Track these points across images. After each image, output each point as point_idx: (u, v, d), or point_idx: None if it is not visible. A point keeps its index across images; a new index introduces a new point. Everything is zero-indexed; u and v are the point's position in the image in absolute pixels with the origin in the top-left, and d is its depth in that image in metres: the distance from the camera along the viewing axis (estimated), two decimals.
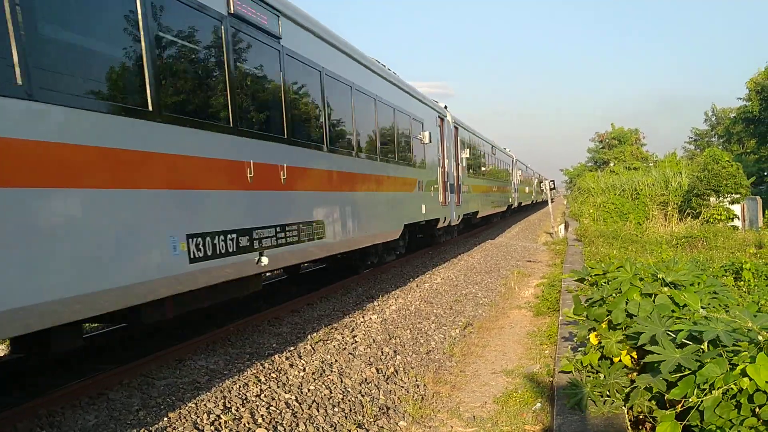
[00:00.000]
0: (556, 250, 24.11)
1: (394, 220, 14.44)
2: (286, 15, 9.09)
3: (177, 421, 6.08)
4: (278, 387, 7.35)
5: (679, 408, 4.24)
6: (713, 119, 67.31)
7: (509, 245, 26.02)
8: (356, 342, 9.58)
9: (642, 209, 31.06)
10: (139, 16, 6.00)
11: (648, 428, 4.97)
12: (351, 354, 9.03)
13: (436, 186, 17.72)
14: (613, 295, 5.76)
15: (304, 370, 8.05)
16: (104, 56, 5.79)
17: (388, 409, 7.42)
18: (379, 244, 14.38)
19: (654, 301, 5.50)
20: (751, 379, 3.77)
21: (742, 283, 11.92)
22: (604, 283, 6.22)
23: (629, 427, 4.64)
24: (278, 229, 8.59)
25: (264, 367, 7.83)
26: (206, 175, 6.99)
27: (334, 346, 9.17)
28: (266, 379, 7.47)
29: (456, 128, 21.02)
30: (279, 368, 7.93)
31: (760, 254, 17.02)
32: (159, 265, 6.19)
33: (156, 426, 5.90)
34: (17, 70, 4.62)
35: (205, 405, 6.48)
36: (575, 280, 7.85)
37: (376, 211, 13.18)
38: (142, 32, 6.03)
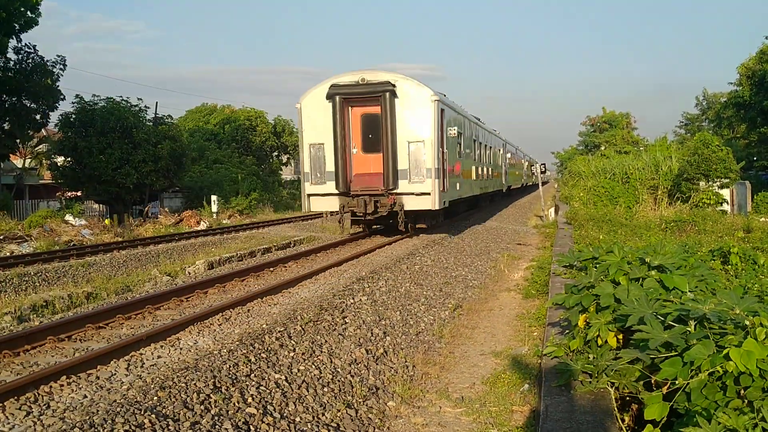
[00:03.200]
0: (546, 234, 24.18)
1: (491, 185, 32.80)
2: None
3: (167, 400, 6.10)
4: (268, 367, 7.39)
5: (665, 389, 4.28)
6: (704, 104, 67.40)
7: (499, 228, 26.09)
8: (346, 323, 9.62)
9: (632, 193, 31.14)
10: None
11: (634, 409, 5.03)
12: (341, 335, 9.08)
13: (500, 174, 36.29)
14: (602, 278, 5.80)
15: (294, 350, 8.08)
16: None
17: (377, 389, 7.47)
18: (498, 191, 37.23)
19: (642, 285, 5.54)
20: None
21: (729, 267, 11.98)
22: (593, 266, 6.26)
23: (616, 408, 4.69)
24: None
25: (254, 347, 7.86)
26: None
27: (324, 327, 9.21)
28: (256, 359, 7.50)
29: (504, 144, 39.87)
30: (269, 348, 7.95)
31: (748, 239, 17.12)
32: (486, 189, 29.76)
33: (146, 405, 5.92)
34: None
35: (195, 384, 6.50)
36: (563, 266, 7.89)
37: (488, 184, 31.00)
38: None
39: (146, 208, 33.49)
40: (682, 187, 29.07)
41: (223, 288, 13.00)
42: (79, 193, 34.54)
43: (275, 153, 55.05)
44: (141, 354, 8.08)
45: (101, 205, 35.80)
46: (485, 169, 29.51)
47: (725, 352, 3.88)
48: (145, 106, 34.54)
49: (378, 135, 17.94)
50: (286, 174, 66.71)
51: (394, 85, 17.68)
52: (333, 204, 18.72)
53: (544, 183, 49.41)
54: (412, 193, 18.08)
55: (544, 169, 38.76)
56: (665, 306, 4.72)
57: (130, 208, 33.81)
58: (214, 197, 34.08)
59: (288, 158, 57.89)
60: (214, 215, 33.15)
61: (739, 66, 35.95)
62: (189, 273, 15.51)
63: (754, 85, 33.46)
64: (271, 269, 15.15)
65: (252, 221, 31.78)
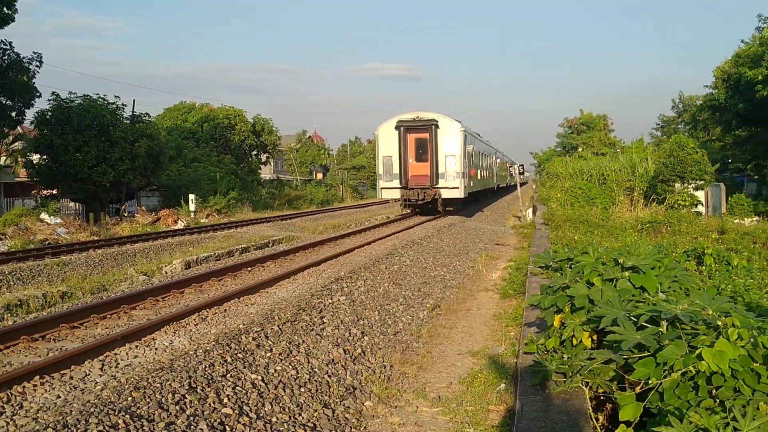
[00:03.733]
0: (523, 234, 24.33)
1: (490, 183, 42.58)
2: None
3: (141, 400, 6.05)
4: (244, 367, 7.35)
5: (638, 389, 4.33)
6: (680, 106, 68.20)
7: (478, 228, 26.20)
8: (324, 323, 9.60)
9: (608, 194, 31.42)
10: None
11: (609, 408, 5.07)
12: (319, 335, 9.06)
13: (493, 175, 43.48)
14: (577, 279, 5.85)
15: (271, 350, 8.06)
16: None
17: (354, 389, 7.47)
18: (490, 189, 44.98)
19: (615, 286, 5.59)
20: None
21: (704, 268, 12.13)
22: (569, 267, 6.30)
23: (590, 408, 4.73)
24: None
25: (230, 347, 7.82)
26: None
27: (302, 327, 9.19)
28: (232, 360, 7.46)
29: (495, 152, 46.92)
30: (246, 348, 7.92)
31: (722, 240, 17.35)
32: (485, 186, 39.65)
33: (120, 405, 5.87)
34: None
35: (170, 384, 6.45)
36: (539, 267, 7.94)
37: (488, 182, 40.71)
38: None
39: (123, 207, 33.15)
40: (657, 188, 29.38)
41: (200, 288, 12.92)
42: (54, 191, 34.11)
43: (254, 152, 54.76)
44: (116, 354, 8.01)
45: (77, 204, 35.38)
46: (485, 172, 39.11)
47: (697, 352, 3.93)
48: (123, 104, 34.19)
49: (426, 151, 28.08)
50: (266, 173, 66.47)
51: (437, 121, 28.04)
52: (396, 194, 28.68)
53: (522, 184, 50.19)
54: (447, 188, 28.08)
55: (522, 170, 39.09)
56: (638, 307, 4.77)
57: (107, 206, 33.43)
58: (191, 196, 33.84)
59: (267, 157, 57.62)
60: (192, 214, 32.93)
61: (715, 69, 36.37)
62: (166, 272, 15.40)
63: (730, 89, 33.86)
64: (249, 269, 15.09)
65: (230, 220, 31.61)
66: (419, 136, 28.27)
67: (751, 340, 4.01)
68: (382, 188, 28.89)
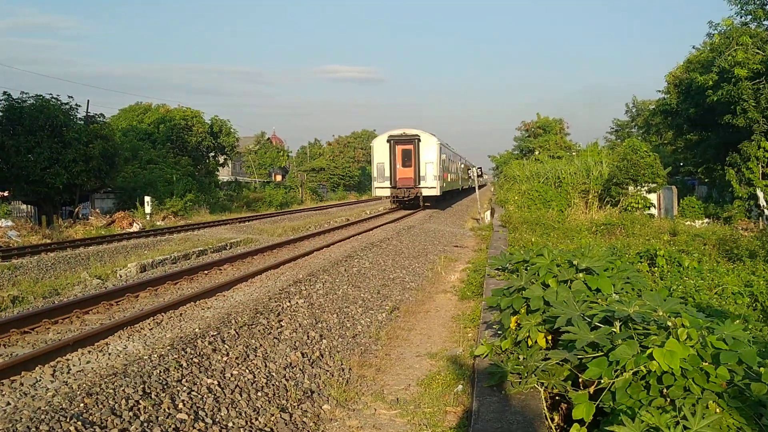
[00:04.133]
0: (482, 236, 24.54)
1: (457, 185, 48.76)
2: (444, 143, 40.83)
3: (94, 406, 5.93)
4: (200, 372, 7.26)
5: (592, 389, 4.39)
6: (634, 111, 69.50)
7: (437, 230, 26.32)
8: (282, 326, 9.54)
9: (564, 197, 31.87)
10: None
11: (564, 408, 5.14)
12: (276, 338, 9.00)
13: (459, 178, 47.09)
14: (532, 281, 5.92)
15: (228, 354, 7.97)
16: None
17: (312, 392, 7.44)
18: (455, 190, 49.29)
19: (570, 287, 5.67)
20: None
21: (656, 269, 12.39)
22: (524, 269, 6.37)
23: (545, 408, 4.79)
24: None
25: (186, 352, 7.71)
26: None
27: (259, 331, 9.11)
28: (188, 364, 7.36)
29: (460, 158, 52.40)
30: (202, 353, 7.82)
31: (674, 242, 17.74)
32: (453, 187, 46.34)
33: (72, 412, 5.74)
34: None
35: (123, 390, 6.34)
36: (496, 269, 8.01)
37: (456, 183, 47.60)
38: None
39: (77, 209, 32.46)
40: (611, 191, 29.91)
41: (156, 291, 12.72)
42: (5, 194, 33.22)
43: (212, 153, 54.10)
44: (68, 360, 7.83)
45: (29, 206, 34.51)
46: (453, 175, 45.84)
47: (648, 352, 4.00)
48: (77, 104, 33.50)
49: (410, 159, 35.79)
50: (224, 175, 65.75)
51: (419, 136, 36.02)
52: (387, 192, 36.56)
53: (481, 186, 51.12)
54: (426, 187, 35.88)
55: (480, 173, 39.43)
56: (592, 308, 4.84)
57: (60, 209, 32.68)
58: (147, 198, 33.30)
59: (225, 159, 57.01)
60: (148, 217, 32.40)
61: (667, 74, 37.19)
62: (120, 276, 15.11)
63: (681, 93, 34.64)
64: (206, 272, 14.91)
65: (187, 223, 31.20)
66: (405, 147, 36.07)
67: (700, 339, 4.10)
68: (376, 187, 37.03)
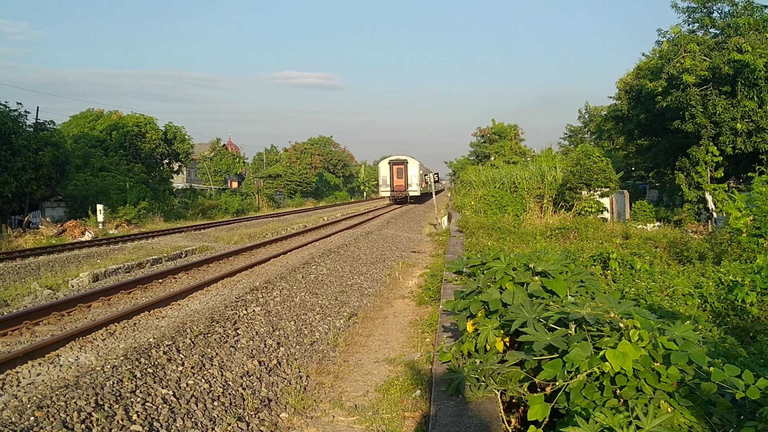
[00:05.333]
0: (439, 241, 24.66)
1: (430, 189, 49.75)
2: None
3: (45, 420, 5.77)
4: (155, 382, 7.13)
5: (548, 390, 4.44)
6: (586, 116, 70.68)
7: (395, 236, 26.37)
8: (238, 335, 9.44)
9: (520, 202, 32.20)
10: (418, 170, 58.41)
11: (521, 411, 5.18)
12: (233, 347, 8.89)
13: (431, 184, 42.74)
14: (489, 284, 5.96)
15: (183, 364, 7.85)
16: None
17: (269, 401, 7.36)
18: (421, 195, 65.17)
19: (527, 290, 5.73)
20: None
21: (609, 272, 12.59)
22: (481, 273, 6.42)
23: (502, 410, 4.82)
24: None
25: (140, 362, 7.56)
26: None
27: (215, 339, 8.99)
28: (142, 375, 7.22)
29: (427, 169, 66.49)
30: (156, 363, 7.68)
31: (626, 245, 18.04)
32: (427, 191, 63.82)
33: (22, 426, 5.58)
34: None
35: (75, 402, 6.18)
36: (453, 273, 8.05)
37: (429, 188, 53.75)
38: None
39: (26, 218, 31.64)
40: (565, 195, 30.32)
41: (108, 301, 12.47)
42: None
43: (166, 160, 53.26)
44: (17, 372, 7.61)
45: None
46: (425, 183, 56.33)
47: (602, 353, 4.06)
48: (26, 111, 32.72)
49: (402, 174, 59.19)
50: (178, 182, 64.83)
51: (407, 160, 59.51)
52: (388, 193, 59.82)
53: (439, 191, 52.17)
54: (412, 191, 59.34)
55: (437, 179, 39.64)
56: (547, 310, 4.90)
57: (9, 218, 31.83)
58: (99, 206, 32.65)
59: (180, 166, 56.20)
60: (100, 225, 31.77)
61: (618, 81, 37.84)
62: (72, 286, 14.77)
63: (632, 99, 35.30)
64: (160, 281, 14.67)
65: (141, 231, 30.68)
66: (399, 167, 59.15)
67: (652, 340, 4.18)
68: (381, 191, 62.07)
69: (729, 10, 30.27)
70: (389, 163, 59.72)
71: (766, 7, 29.93)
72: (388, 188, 59.60)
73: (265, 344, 9.28)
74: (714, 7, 30.72)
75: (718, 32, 30.74)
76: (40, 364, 8.01)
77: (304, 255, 18.28)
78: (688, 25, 31.41)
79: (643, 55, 37.42)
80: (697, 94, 28.13)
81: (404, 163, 59.02)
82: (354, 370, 8.75)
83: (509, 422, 4.84)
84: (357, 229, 28.26)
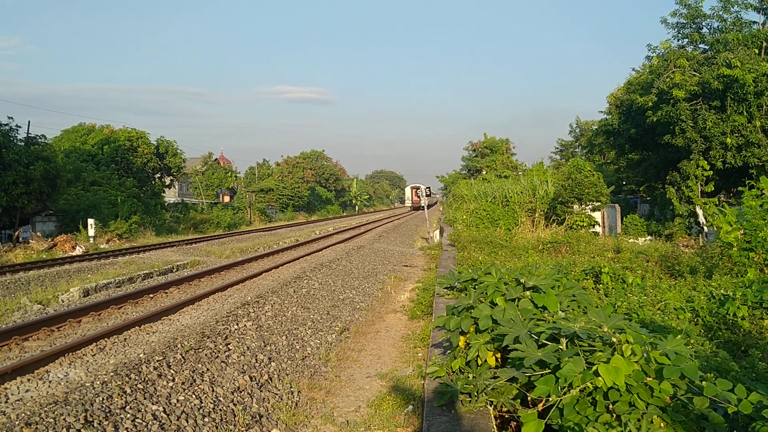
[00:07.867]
0: (431, 255, 24.65)
1: (434, 201, 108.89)
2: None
3: None
4: (145, 398, 7.07)
5: (540, 406, 4.42)
6: (577, 131, 71.12)
7: (387, 250, 26.35)
8: (230, 350, 9.38)
9: (511, 216, 32.23)
10: (423, 191, 49.23)
11: (513, 427, 5.16)
12: (224, 362, 8.84)
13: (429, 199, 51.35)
14: (480, 299, 5.95)
15: (174, 380, 7.79)
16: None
17: (261, 416, 7.31)
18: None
19: (518, 305, 5.72)
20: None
21: (601, 286, 12.60)
22: (473, 288, 6.41)
23: (495, 426, 4.80)
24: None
25: (130, 378, 7.50)
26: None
27: (206, 355, 8.94)
28: (132, 391, 7.16)
29: (422, 185, 60.48)
30: (146, 378, 7.62)
31: (618, 259, 18.09)
32: (433, 202, 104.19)
33: None
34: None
35: (64, 419, 6.12)
36: (445, 288, 8.04)
37: (433, 201, 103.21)
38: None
39: (16, 233, 31.47)
40: (557, 209, 30.38)
41: (99, 316, 12.39)
42: None
43: (158, 175, 53.15)
44: (6, 389, 7.54)
45: None
46: (421, 198, 60.67)
47: (594, 368, 4.05)
48: (17, 125, 32.64)
49: (418, 194, 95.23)
50: (170, 196, 64.66)
51: (420, 186, 79.30)
52: (409, 205, 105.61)
53: (430, 206, 52.77)
54: (422, 203, 55.18)
55: (428, 193, 39.70)
56: (539, 325, 4.89)
57: None
58: (91, 221, 32.49)
59: (171, 180, 56.05)
60: (91, 239, 31.62)
61: (609, 95, 38.12)
62: (62, 301, 14.67)
63: (622, 114, 35.52)
64: (152, 295, 14.60)
65: (132, 245, 30.54)
66: (415, 189, 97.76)
67: (644, 355, 4.17)
68: (405, 203, 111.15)
69: (718, 26, 30.53)
70: (411, 187, 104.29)
71: (754, 23, 30.23)
72: (410, 201, 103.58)
73: (256, 359, 9.23)
74: (703, 23, 30.98)
75: (707, 47, 30.99)
76: (29, 380, 7.93)
77: (295, 269, 18.24)
78: (678, 40, 31.70)
79: (633, 70, 37.71)
80: (687, 109, 28.32)
81: (419, 187, 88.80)
82: (346, 385, 8.70)
83: None
84: (349, 243, 28.23)
